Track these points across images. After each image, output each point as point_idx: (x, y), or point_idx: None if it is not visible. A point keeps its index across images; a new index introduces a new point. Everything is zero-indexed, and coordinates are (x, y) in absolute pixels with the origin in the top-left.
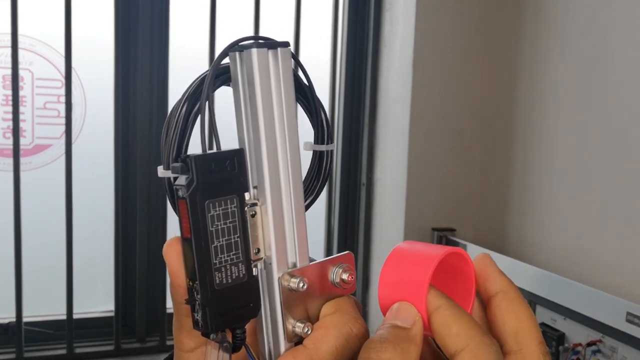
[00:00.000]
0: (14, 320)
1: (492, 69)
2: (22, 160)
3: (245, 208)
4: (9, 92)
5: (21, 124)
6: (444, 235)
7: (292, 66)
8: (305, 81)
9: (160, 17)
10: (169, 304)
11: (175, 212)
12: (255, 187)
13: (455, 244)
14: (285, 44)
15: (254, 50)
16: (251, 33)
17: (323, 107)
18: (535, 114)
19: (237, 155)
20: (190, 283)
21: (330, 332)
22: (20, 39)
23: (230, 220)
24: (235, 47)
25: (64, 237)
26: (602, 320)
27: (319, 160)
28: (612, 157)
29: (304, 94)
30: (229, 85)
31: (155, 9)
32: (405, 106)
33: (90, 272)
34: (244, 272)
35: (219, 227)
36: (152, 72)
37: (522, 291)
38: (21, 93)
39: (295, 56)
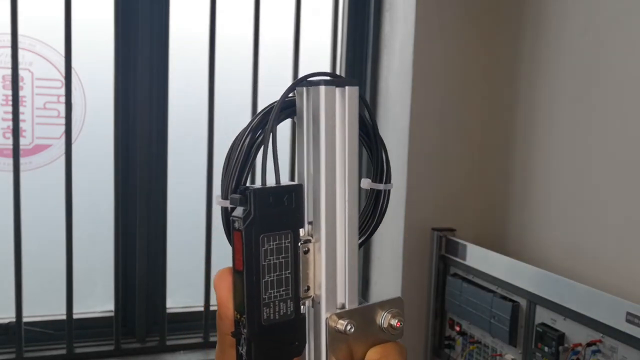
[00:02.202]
0: (14, 320)
1: (492, 69)
2: (22, 160)
3: (299, 244)
4: (9, 92)
5: (21, 124)
6: (444, 235)
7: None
8: (368, 118)
9: (160, 17)
10: (169, 304)
11: (229, 242)
12: (310, 223)
13: (456, 244)
14: (354, 83)
15: (322, 88)
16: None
17: (384, 145)
18: (535, 114)
19: (296, 191)
20: (238, 316)
21: None
22: (20, 39)
23: (283, 255)
24: (303, 82)
25: (63, 237)
26: (602, 320)
27: (376, 199)
28: (612, 157)
29: (366, 131)
30: (292, 118)
31: (155, 8)
32: (405, 106)
33: (90, 272)
34: (292, 309)
35: (272, 261)
36: (152, 71)
37: (522, 291)
38: (21, 93)
39: (361, 95)
